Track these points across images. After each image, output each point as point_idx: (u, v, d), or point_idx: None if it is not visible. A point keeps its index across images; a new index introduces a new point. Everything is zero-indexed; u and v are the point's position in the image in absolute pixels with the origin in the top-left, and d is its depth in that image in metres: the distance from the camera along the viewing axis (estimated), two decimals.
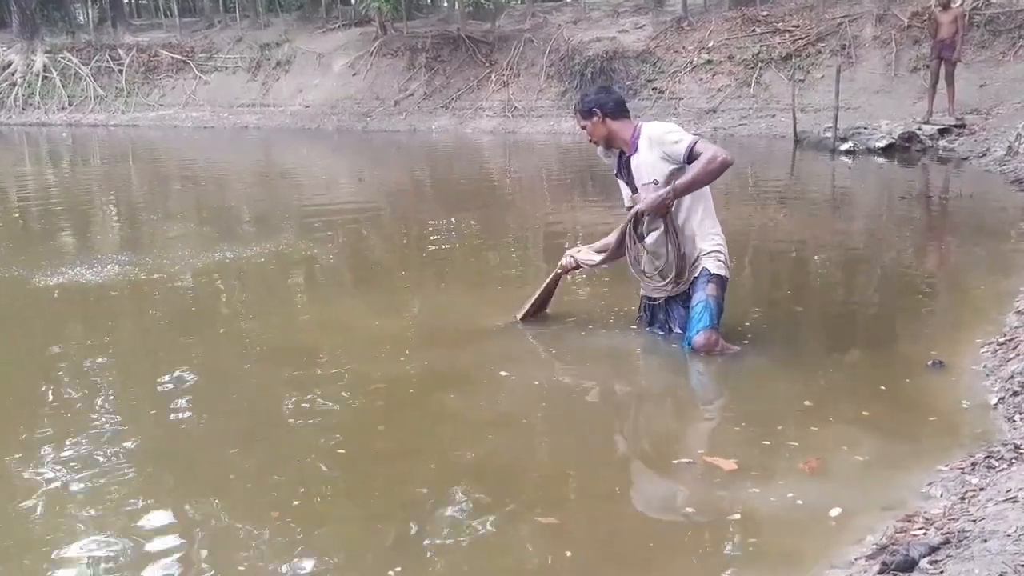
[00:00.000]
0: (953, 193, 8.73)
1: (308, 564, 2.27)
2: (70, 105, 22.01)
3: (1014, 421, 2.85)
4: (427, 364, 3.76)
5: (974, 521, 2.13)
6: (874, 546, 2.19)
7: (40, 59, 22.67)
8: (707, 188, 3.72)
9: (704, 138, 3.64)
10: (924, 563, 1.95)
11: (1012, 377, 3.14)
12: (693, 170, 3.54)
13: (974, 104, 11.86)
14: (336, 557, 2.31)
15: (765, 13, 16.18)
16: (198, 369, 3.79)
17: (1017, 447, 2.57)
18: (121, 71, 22.15)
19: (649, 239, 3.82)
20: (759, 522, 2.41)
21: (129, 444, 3.02)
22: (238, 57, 21.49)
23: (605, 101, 3.80)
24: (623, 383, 3.68)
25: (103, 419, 3.26)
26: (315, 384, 3.52)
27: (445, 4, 25.72)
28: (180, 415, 3.31)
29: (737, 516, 2.43)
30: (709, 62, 15.69)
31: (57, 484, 2.72)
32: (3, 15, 25.62)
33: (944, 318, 4.34)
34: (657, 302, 3.95)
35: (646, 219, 3.75)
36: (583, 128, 3.89)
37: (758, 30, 15.78)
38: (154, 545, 2.37)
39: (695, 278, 3.76)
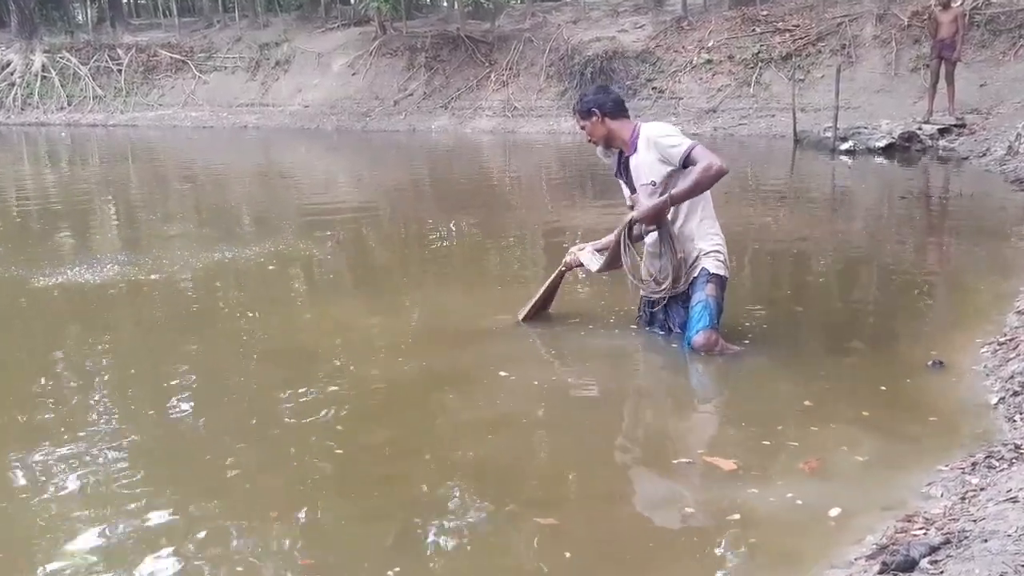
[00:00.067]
0: (953, 193, 8.72)
1: (307, 564, 2.26)
2: (69, 105, 22.00)
3: (1014, 421, 2.85)
4: (426, 364, 3.76)
5: (974, 521, 2.12)
6: (874, 546, 2.19)
7: (39, 59, 22.66)
8: None
9: (701, 143, 3.63)
10: (924, 563, 1.95)
11: (1012, 377, 3.14)
12: (689, 179, 3.55)
13: (974, 104, 11.87)
14: (335, 557, 2.31)
15: (765, 13, 16.18)
16: (197, 369, 3.79)
17: (1017, 447, 2.57)
18: (120, 71, 22.15)
19: (649, 239, 3.84)
20: (759, 522, 2.40)
21: (128, 444, 3.02)
22: (237, 57, 21.48)
23: (604, 101, 3.79)
24: (623, 383, 3.67)
25: (102, 419, 3.26)
26: (314, 384, 3.52)
27: (444, 4, 25.72)
28: (179, 415, 3.31)
29: (737, 516, 2.42)
30: (709, 62, 15.69)
31: (56, 483, 2.72)
32: (2, 15, 25.63)
33: (944, 318, 4.34)
34: (657, 303, 3.95)
35: (642, 227, 3.76)
36: (582, 128, 3.89)
37: (758, 30, 15.78)
38: (153, 545, 2.36)
39: (694, 278, 3.76)
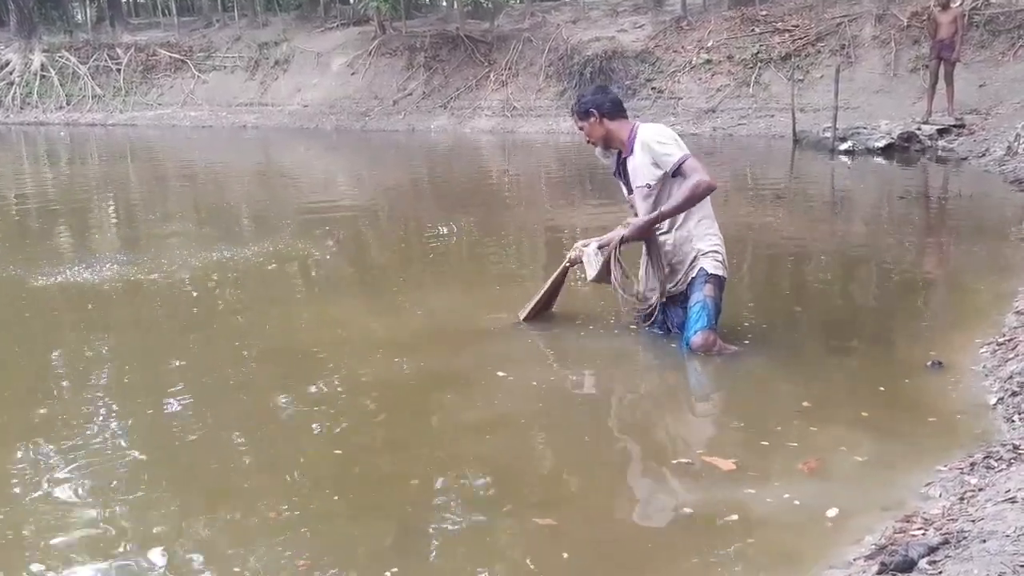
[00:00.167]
0: (952, 193, 8.73)
1: (306, 563, 2.26)
2: (68, 104, 21.96)
3: (1013, 421, 2.85)
4: (425, 364, 3.76)
5: (973, 521, 2.12)
6: (873, 546, 2.19)
7: (38, 58, 22.63)
8: None
9: (692, 156, 3.65)
10: (923, 563, 1.95)
11: (1011, 377, 3.14)
12: (678, 196, 3.64)
13: (973, 104, 11.86)
14: (333, 557, 2.31)
15: (764, 13, 16.17)
16: (196, 368, 3.79)
17: (1016, 447, 2.57)
18: (119, 70, 22.12)
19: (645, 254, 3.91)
20: (757, 523, 2.40)
21: (126, 444, 3.02)
22: (236, 56, 21.45)
23: (602, 101, 3.79)
24: (622, 383, 3.67)
25: (101, 419, 3.26)
26: (313, 384, 3.52)
27: (444, 3, 25.69)
28: (178, 415, 3.30)
29: (735, 517, 2.42)
30: (708, 62, 15.67)
31: (55, 483, 2.72)
32: (1, 14, 25.58)
33: (944, 318, 4.34)
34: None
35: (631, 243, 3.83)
36: (580, 129, 3.89)
37: (757, 30, 15.77)
38: (152, 544, 2.36)
39: (693, 278, 3.76)
